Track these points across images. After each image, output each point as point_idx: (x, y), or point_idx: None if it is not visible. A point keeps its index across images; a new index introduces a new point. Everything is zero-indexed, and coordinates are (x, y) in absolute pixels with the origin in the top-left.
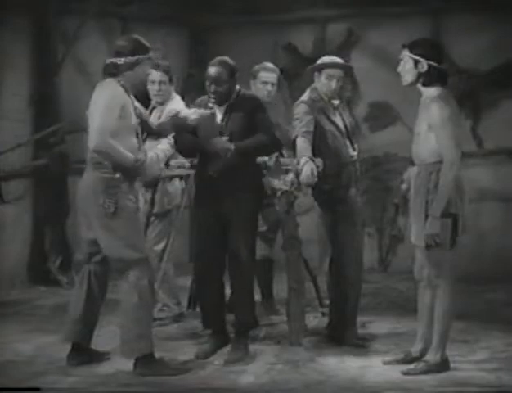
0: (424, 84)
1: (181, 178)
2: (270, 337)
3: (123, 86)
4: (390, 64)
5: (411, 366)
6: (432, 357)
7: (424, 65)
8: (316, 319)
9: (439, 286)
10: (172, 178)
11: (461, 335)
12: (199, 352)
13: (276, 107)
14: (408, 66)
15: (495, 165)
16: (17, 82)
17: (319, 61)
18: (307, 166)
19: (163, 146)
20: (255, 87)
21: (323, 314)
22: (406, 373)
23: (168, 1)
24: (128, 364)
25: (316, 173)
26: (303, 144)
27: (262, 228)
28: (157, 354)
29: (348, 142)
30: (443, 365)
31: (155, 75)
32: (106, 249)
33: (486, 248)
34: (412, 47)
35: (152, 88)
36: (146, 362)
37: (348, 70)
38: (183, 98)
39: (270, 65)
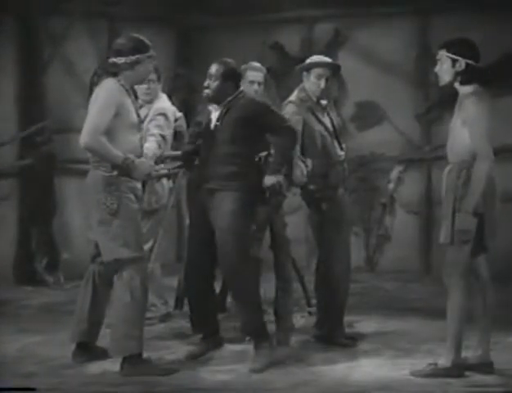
0: (461, 83)
1: (168, 177)
2: None
3: (122, 85)
4: (377, 64)
5: (420, 367)
6: (442, 361)
7: (461, 63)
8: (303, 319)
9: (452, 287)
10: (160, 177)
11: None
12: (188, 354)
13: None
14: (446, 66)
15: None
16: (4, 82)
17: (308, 61)
18: (296, 167)
19: (151, 144)
20: (242, 86)
21: (310, 314)
22: (412, 374)
23: (156, 0)
24: (117, 364)
25: (305, 173)
26: None
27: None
28: (144, 354)
29: (335, 142)
30: (454, 370)
31: None
32: (102, 249)
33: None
34: (449, 47)
35: (141, 87)
36: (133, 362)
37: (336, 70)
38: (170, 98)
39: (257, 64)
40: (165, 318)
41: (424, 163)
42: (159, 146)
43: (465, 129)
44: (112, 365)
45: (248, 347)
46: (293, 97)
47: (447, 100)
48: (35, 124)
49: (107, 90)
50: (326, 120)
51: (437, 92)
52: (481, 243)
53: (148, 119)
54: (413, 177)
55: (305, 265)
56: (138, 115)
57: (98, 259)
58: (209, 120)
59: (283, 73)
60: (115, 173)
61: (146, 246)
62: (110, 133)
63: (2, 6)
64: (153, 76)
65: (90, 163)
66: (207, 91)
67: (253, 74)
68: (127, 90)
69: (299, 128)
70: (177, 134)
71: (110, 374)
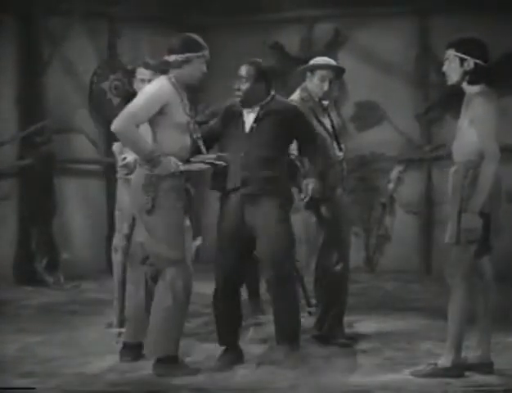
0: (469, 83)
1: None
2: (257, 337)
3: (173, 84)
4: (377, 64)
5: (420, 367)
6: (442, 361)
7: (470, 63)
8: (302, 319)
9: (454, 287)
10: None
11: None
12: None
13: None
14: (454, 65)
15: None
16: (4, 82)
17: (312, 62)
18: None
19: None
20: None
21: (310, 314)
22: (412, 374)
23: (156, 1)
24: (115, 364)
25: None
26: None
27: None
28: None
29: (334, 143)
30: (454, 370)
31: (146, 74)
32: (146, 244)
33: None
34: (458, 46)
35: (142, 87)
36: (167, 363)
37: (340, 73)
38: None
39: None
40: None
41: (424, 163)
42: None
43: (473, 129)
44: (111, 364)
45: (246, 347)
46: (294, 96)
47: (447, 100)
48: (35, 124)
49: (156, 86)
50: (326, 121)
51: (437, 92)
52: (486, 243)
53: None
54: (413, 177)
55: (304, 265)
56: (188, 115)
57: (149, 262)
58: (241, 123)
59: (283, 73)
60: (156, 171)
61: None
62: (153, 131)
63: (2, 7)
64: (154, 76)
65: (137, 162)
66: (238, 93)
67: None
68: (177, 88)
69: None
70: None
71: (109, 374)
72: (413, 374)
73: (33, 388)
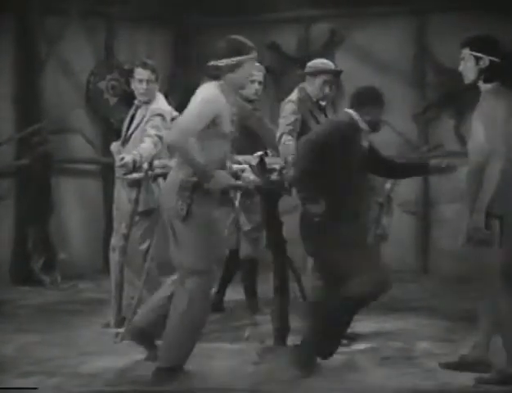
0: (484, 81)
1: (165, 177)
2: (254, 337)
3: (223, 91)
4: (374, 63)
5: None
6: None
7: (485, 61)
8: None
9: (487, 290)
10: (156, 177)
11: (448, 334)
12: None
13: (262, 106)
14: (469, 64)
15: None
16: (1, 81)
17: (312, 64)
18: (293, 166)
19: (147, 145)
20: None
21: None
22: (441, 366)
23: (153, 0)
24: (113, 363)
25: None
26: (290, 142)
27: (246, 227)
28: (141, 355)
29: None
30: (481, 366)
31: (143, 74)
32: (172, 250)
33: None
34: (472, 44)
35: (139, 87)
36: (170, 373)
37: (338, 74)
38: (167, 98)
39: (257, 63)
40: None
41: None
42: (155, 147)
43: (482, 128)
44: (108, 364)
45: (246, 346)
46: (293, 96)
47: (445, 100)
48: (32, 123)
49: (209, 96)
50: (324, 121)
51: (435, 92)
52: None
53: (145, 120)
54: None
55: (302, 265)
56: (232, 124)
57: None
58: (361, 145)
59: (280, 72)
60: (194, 178)
61: (143, 246)
62: (200, 140)
63: None
64: (152, 76)
65: (175, 162)
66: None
67: (256, 74)
68: (227, 95)
69: (297, 128)
70: None
71: (106, 373)
72: (478, 381)
73: (35, 388)
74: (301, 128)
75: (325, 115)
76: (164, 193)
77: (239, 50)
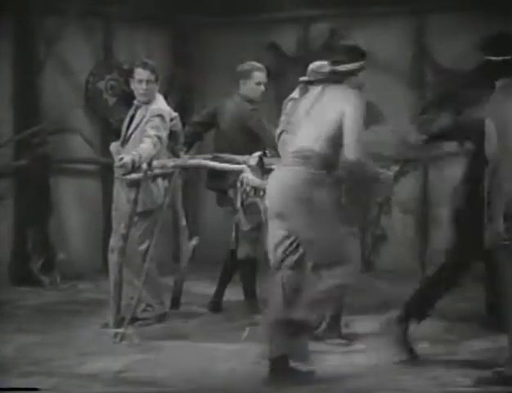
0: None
1: (164, 177)
2: (253, 336)
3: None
4: (373, 63)
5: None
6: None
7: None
8: None
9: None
10: (155, 177)
11: (444, 334)
12: None
13: (261, 106)
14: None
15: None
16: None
17: (314, 67)
18: None
19: (146, 145)
20: (248, 86)
21: None
22: (476, 383)
23: (152, 0)
24: (112, 364)
25: None
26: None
27: (246, 227)
28: (140, 355)
29: None
30: None
31: (143, 74)
32: (305, 242)
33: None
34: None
35: (139, 87)
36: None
37: None
38: (166, 98)
39: (260, 64)
40: (162, 318)
41: (420, 162)
42: (155, 147)
43: (493, 126)
44: (107, 365)
45: (245, 346)
46: (295, 94)
47: (443, 100)
48: (31, 124)
49: (361, 103)
50: None
51: (433, 92)
52: None
53: (145, 120)
54: (409, 176)
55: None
56: None
57: (286, 263)
58: None
59: (279, 73)
60: (324, 172)
61: (143, 247)
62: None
63: None
64: (152, 77)
65: (290, 160)
66: None
67: (260, 75)
68: None
69: None
70: (172, 134)
71: (105, 374)
72: (477, 382)
73: (37, 389)
74: None
75: None
76: (285, 188)
77: (360, 55)
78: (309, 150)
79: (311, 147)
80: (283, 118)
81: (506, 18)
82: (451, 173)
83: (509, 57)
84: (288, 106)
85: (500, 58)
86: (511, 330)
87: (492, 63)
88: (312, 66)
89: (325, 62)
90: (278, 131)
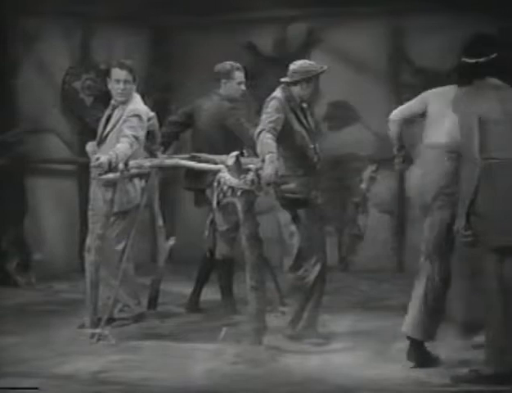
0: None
1: (141, 177)
2: (230, 337)
3: None
4: (350, 63)
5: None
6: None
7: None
8: (276, 318)
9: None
10: (132, 177)
11: None
12: None
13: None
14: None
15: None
16: None
17: (295, 69)
18: (272, 165)
19: (123, 145)
20: (229, 86)
21: (283, 313)
22: (452, 379)
23: (130, 0)
24: (89, 365)
25: (277, 172)
26: (269, 140)
27: (223, 227)
28: (117, 356)
29: (311, 144)
30: (496, 378)
31: (120, 74)
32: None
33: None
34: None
35: (117, 87)
36: None
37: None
38: (143, 97)
39: (239, 64)
40: (139, 318)
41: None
42: (131, 147)
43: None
44: (84, 365)
45: (220, 347)
46: (278, 93)
47: None
48: (8, 123)
49: None
50: (305, 122)
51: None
52: None
53: (122, 120)
54: (386, 176)
55: (278, 265)
56: None
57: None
58: None
59: (256, 72)
60: None
61: (119, 247)
62: None
63: None
64: (129, 77)
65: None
66: None
67: (241, 75)
68: None
69: (279, 127)
70: (149, 134)
71: (82, 375)
72: (454, 379)
73: (36, 388)
74: (283, 128)
75: (306, 117)
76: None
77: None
78: None
79: None
80: (264, 116)
81: (482, 19)
82: None
83: (483, 59)
84: (270, 104)
85: (473, 60)
86: (488, 329)
87: (467, 65)
88: (293, 66)
89: (307, 61)
90: (258, 130)
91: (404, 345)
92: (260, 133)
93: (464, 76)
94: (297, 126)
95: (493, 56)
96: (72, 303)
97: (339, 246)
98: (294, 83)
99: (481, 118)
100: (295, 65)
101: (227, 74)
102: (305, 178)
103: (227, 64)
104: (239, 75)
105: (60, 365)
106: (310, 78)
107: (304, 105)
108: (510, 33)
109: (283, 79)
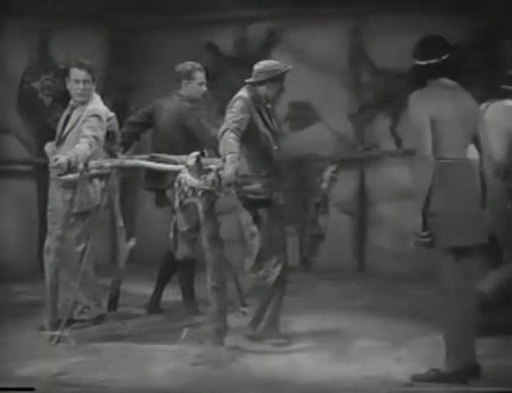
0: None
1: (101, 177)
2: (192, 338)
3: None
4: (311, 64)
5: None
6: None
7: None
8: (237, 319)
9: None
10: (92, 178)
11: (384, 332)
12: None
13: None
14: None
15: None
16: None
17: (259, 70)
18: (232, 165)
19: (82, 145)
20: (190, 87)
21: (245, 314)
22: (413, 378)
23: (90, 0)
24: (49, 367)
25: (238, 172)
26: (232, 140)
27: (183, 228)
28: (77, 358)
29: (275, 145)
30: (456, 377)
31: (80, 74)
32: None
33: (407, 246)
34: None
35: (76, 88)
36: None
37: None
38: (102, 98)
39: (199, 64)
40: (99, 319)
41: (357, 162)
42: (91, 147)
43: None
44: (44, 367)
45: (181, 348)
46: (243, 93)
47: (380, 100)
48: None
49: None
50: (270, 123)
51: (370, 93)
52: None
53: (81, 120)
54: (346, 176)
55: (239, 266)
56: None
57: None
58: None
59: (217, 73)
60: None
61: (79, 248)
62: None
63: None
64: (88, 77)
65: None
66: None
67: (201, 75)
68: None
69: (243, 127)
70: (109, 134)
71: (41, 377)
72: (414, 379)
73: (32, 389)
74: (248, 128)
75: (270, 117)
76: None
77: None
78: None
79: None
80: (228, 116)
81: (441, 20)
82: (389, 172)
83: (434, 60)
84: (235, 104)
85: (425, 62)
86: (446, 329)
87: (419, 67)
88: (258, 66)
89: (272, 61)
90: (221, 129)
91: (365, 344)
92: (224, 132)
93: (417, 78)
94: (262, 127)
95: (444, 57)
96: (31, 305)
97: (300, 247)
98: (260, 83)
99: (433, 118)
100: (260, 65)
101: (188, 75)
102: (269, 179)
103: (188, 64)
104: (200, 76)
105: (20, 367)
106: (275, 77)
107: (269, 105)
108: (473, 33)
109: (248, 80)
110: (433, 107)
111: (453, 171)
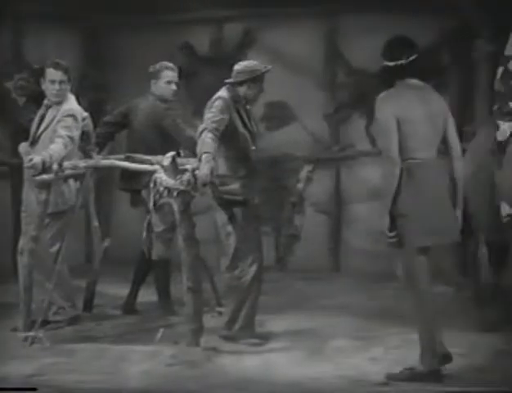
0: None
1: (76, 178)
2: (167, 338)
3: None
4: (286, 64)
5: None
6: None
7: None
8: (213, 319)
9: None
10: (66, 178)
11: (359, 332)
12: None
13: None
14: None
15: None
16: None
17: (241, 68)
18: (207, 165)
19: (57, 146)
20: (158, 85)
21: (220, 314)
22: (388, 378)
23: (63, 0)
24: (22, 368)
25: (213, 172)
26: (209, 140)
27: (159, 228)
28: (51, 359)
29: (253, 145)
30: (431, 376)
31: (55, 75)
32: None
33: (382, 246)
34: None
35: (52, 88)
36: None
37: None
38: (77, 98)
39: (170, 64)
40: (74, 320)
41: (333, 162)
42: (66, 147)
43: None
44: (18, 369)
45: (156, 349)
46: (223, 92)
47: (355, 100)
48: None
49: None
50: (249, 124)
51: (345, 93)
52: None
53: (56, 120)
54: (322, 176)
55: (215, 265)
56: None
57: None
58: None
59: (192, 73)
60: None
61: (54, 249)
62: None
63: None
64: (64, 77)
65: None
66: None
67: (170, 74)
68: None
69: (222, 127)
70: (83, 134)
71: (16, 378)
72: (389, 378)
73: (35, 389)
74: (227, 129)
75: (249, 118)
76: None
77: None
78: None
79: None
80: (208, 116)
81: (416, 19)
82: (364, 172)
83: (402, 61)
84: (215, 104)
85: (393, 63)
86: (419, 329)
87: (388, 68)
88: (237, 67)
89: (252, 61)
90: (200, 129)
91: (340, 343)
92: (202, 132)
93: (386, 79)
94: (241, 127)
95: (412, 57)
96: (5, 306)
97: (275, 246)
98: (240, 83)
99: (400, 119)
100: (240, 66)
101: (156, 74)
102: (246, 180)
103: (158, 64)
104: (167, 75)
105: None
106: (255, 78)
107: (248, 106)
108: (448, 33)
109: (228, 80)
110: (400, 108)
111: (421, 171)
